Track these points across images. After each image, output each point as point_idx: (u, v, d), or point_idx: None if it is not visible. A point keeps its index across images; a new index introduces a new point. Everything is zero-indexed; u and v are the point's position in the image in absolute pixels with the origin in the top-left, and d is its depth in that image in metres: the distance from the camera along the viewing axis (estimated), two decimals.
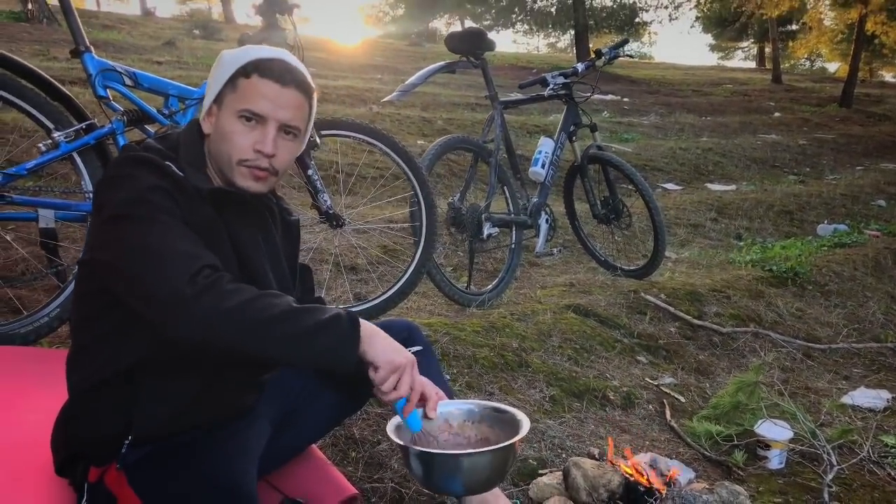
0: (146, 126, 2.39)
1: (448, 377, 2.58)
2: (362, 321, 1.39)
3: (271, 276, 1.52)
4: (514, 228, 3.71)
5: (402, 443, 1.46)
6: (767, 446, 2.44)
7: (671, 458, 2.40)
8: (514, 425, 1.54)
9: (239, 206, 1.47)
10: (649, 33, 30.73)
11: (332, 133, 2.85)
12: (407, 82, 3.38)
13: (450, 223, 3.42)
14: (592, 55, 4.11)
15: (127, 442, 1.36)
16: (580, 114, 4.10)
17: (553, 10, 22.12)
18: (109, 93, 2.34)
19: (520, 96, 3.96)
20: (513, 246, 3.71)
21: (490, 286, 3.58)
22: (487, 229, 3.39)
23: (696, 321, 3.66)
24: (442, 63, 3.51)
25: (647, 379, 3.01)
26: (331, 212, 2.77)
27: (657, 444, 2.53)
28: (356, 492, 1.76)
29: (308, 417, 1.75)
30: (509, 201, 3.71)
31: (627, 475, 2.03)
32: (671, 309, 3.70)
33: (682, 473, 2.17)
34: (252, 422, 1.55)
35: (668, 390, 2.95)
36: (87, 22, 14.29)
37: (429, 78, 3.41)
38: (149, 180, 1.34)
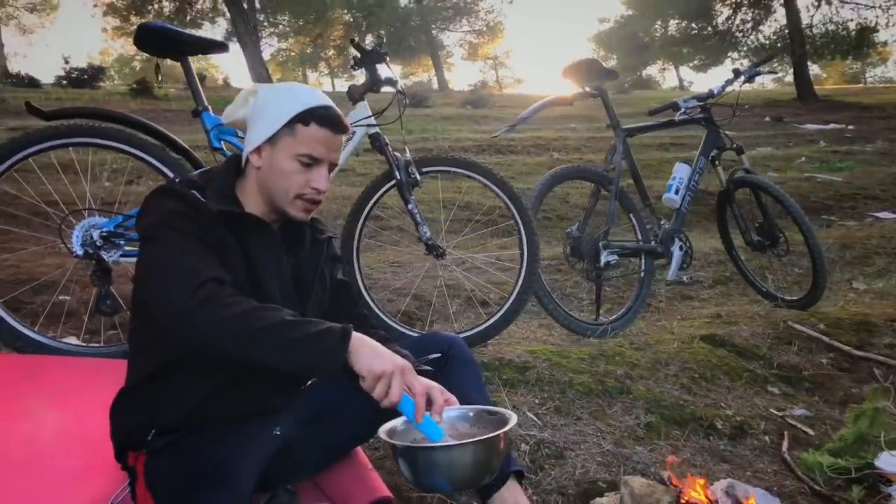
0: None
1: (537, 401, 2.57)
2: (358, 335, 1.45)
3: (277, 290, 1.65)
4: (643, 257, 3.60)
5: (389, 440, 1.52)
6: (890, 482, 2.15)
7: (772, 490, 2.20)
8: (502, 424, 1.54)
9: (248, 227, 1.64)
10: (881, 52, 27.93)
11: (432, 169, 3.00)
12: (518, 117, 3.46)
13: (568, 253, 3.42)
14: (731, 75, 3.93)
15: (153, 431, 1.57)
16: (722, 137, 3.91)
17: (767, 41, 20.92)
18: (224, 145, 2.69)
19: (647, 123, 3.85)
20: (642, 275, 3.59)
21: (615, 316, 3.50)
22: (605, 257, 3.34)
23: (856, 352, 3.28)
24: (555, 95, 3.56)
25: (771, 410, 2.76)
26: (430, 243, 2.90)
27: (761, 475, 2.32)
28: (389, 495, 1.83)
29: (343, 420, 1.85)
30: (637, 229, 3.62)
31: (691, 498, 1.90)
32: (825, 339, 3.35)
33: (762, 501, 1.98)
34: (272, 420, 1.69)
35: (794, 422, 2.68)
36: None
37: (540, 111, 3.48)
38: (169, 205, 1.56)
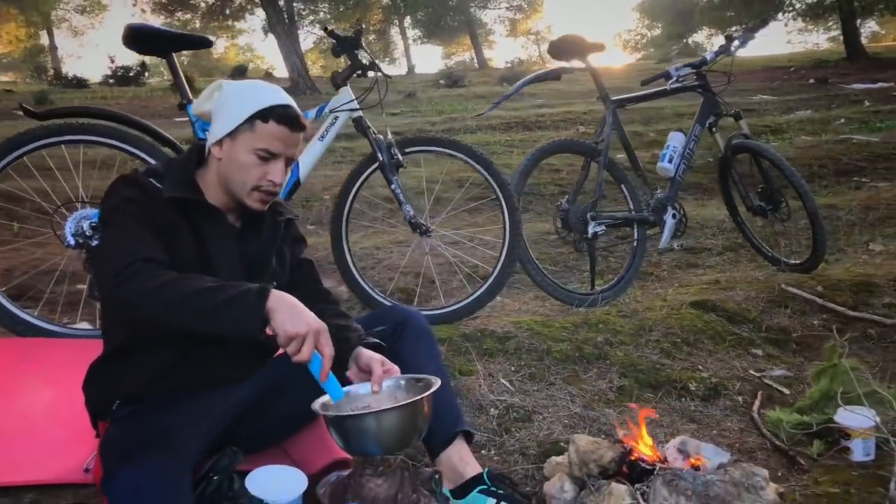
0: None
1: (513, 368, 2.67)
2: (277, 295, 1.54)
3: (226, 271, 1.74)
4: (635, 226, 3.65)
5: (321, 412, 1.65)
6: (848, 435, 2.19)
7: (732, 447, 2.26)
8: (428, 389, 1.66)
9: (200, 212, 1.76)
10: None
11: (414, 150, 3.10)
12: (502, 95, 3.54)
13: (559, 226, 3.48)
14: (724, 41, 3.91)
15: (118, 401, 1.72)
16: (719, 104, 3.89)
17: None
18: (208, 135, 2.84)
19: (638, 93, 3.87)
20: (635, 244, 3.64)
21: (607, 285, 3.56)
22: (593, 228, 3.39)
23: (850, 312, 3.28)
24: (541, 71, 3.61)
25: (750, 371, 2.80)
26: (413, 221, 3.01)
27: (727, 433, 2.38)
28: (346, 457, 1.95)
29: (303, 391, 1.97)
30: (629, 199, 3.66)
31: (640, 453, 1.98)
32: (819, 301, 3.36)
33: (712, 456, 2.04)
34: (230, 390, 1.82)
35: (771, 382, 2.72)
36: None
37: (524, 87, 3.55)
38: (124, 193, 1.70)
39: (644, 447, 2.01)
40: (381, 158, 3.00)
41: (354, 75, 3.12)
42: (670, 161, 3.73)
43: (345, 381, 1.78)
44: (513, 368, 2.67)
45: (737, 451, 2.25)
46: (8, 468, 1.83)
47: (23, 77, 31.79)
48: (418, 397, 1.61)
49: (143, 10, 21.51)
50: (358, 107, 3.07)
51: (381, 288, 3.28)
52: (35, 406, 2.10)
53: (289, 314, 1.53)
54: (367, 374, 1.76)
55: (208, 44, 2.95)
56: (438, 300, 3.50)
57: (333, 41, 3.05)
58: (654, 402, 2.55)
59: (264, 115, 1.70)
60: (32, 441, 1.94)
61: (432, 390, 1.64)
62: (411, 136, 3.15)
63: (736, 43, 3.82)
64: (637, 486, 1.87)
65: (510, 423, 2.35)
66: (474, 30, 33.89)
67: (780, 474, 2.13)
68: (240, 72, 24.15)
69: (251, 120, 1.71)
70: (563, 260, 4.44)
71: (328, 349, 1.57)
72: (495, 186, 3.07)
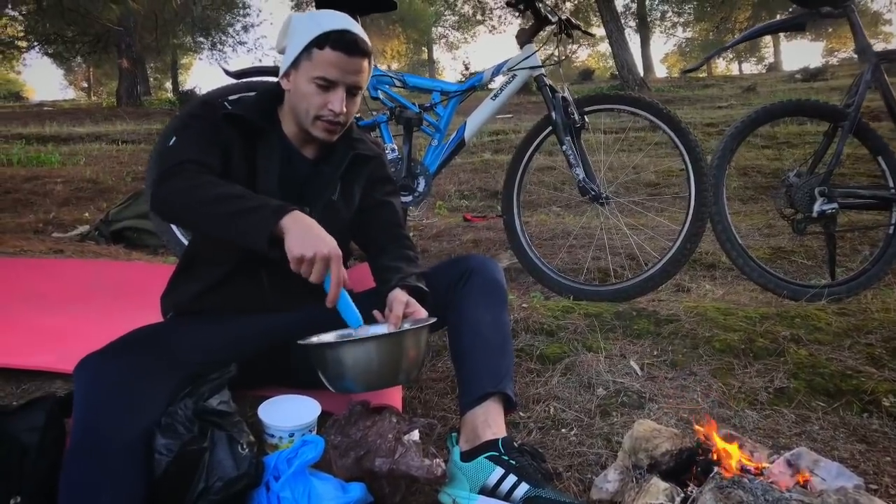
0: (404, 115, 2.84)
1: (656, 353, 2.29)
2: (294, 215, 1.50)
3: (262, 188, 1.73)
4: (893, 209, 2.89)
5: (301, 342, 1.58)
6: None
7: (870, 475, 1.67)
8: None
9: (252, 131, 1.79)
10: None
11: (595, 108, 2.84)
12: (731, 41, 3.06)
13: (783, 203, 2.91)
14: None
15: (172, 313, 1.85)
16: None
17: None
18: (381, 94, 2.90)
19: None
20: (891, 231, 2.88)
21: (842, 279, 2.87)
22: (820, 206, 2.76)
23: None
24: (778, 20, 3.04)
25: None
26: (583, 185, 2.75)
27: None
28: (394, 406, 1.84)
29: None
30: (888, 175, 2.91)
31: (721, 455, 1.56)
32: None
33: (832, 478, 1.53)
34: (266, 317, 1.82)
35: None
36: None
37: (757, 37, 3.01)
38: (196, 111, 1.81)
39: (730, 448, 1.59)
40: (553, 118, 2.79)
41: (541, 33, 2.95)
42: None
43: (370, 319, 1.69)
44: (655, 353, 2.29)
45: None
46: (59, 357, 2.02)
47: None
48: (385, 333, 1.47)
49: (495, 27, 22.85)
50: (539, 64, 2.89)
51: (549, 260, 3.03)
52: (128, 315, 2.30)
53: (300, 236, 1.47)
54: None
55: (392, 6, 2.99)
56: (612, 276, 3.16)
57: None
58: (818, 410, 1.99)
59: (320, 41, 1.68)
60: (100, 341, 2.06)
61: (406, 329, 1.49)
62: (591, 95, 2.86)
63: None
64: (692, 489, 1.48)
65: (614, 406, 2.01)
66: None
67: None
68: (585, 76, 24.51)
69: (309, 48, 1.70)
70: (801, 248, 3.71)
71: (336, 275, 1.49)
72: (682, 148, 2.66)
